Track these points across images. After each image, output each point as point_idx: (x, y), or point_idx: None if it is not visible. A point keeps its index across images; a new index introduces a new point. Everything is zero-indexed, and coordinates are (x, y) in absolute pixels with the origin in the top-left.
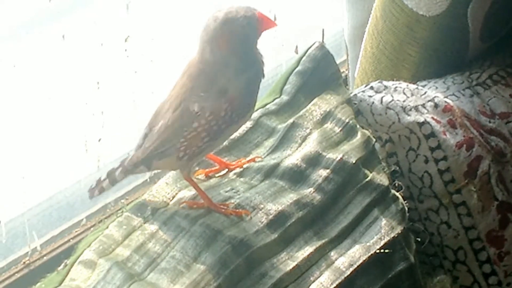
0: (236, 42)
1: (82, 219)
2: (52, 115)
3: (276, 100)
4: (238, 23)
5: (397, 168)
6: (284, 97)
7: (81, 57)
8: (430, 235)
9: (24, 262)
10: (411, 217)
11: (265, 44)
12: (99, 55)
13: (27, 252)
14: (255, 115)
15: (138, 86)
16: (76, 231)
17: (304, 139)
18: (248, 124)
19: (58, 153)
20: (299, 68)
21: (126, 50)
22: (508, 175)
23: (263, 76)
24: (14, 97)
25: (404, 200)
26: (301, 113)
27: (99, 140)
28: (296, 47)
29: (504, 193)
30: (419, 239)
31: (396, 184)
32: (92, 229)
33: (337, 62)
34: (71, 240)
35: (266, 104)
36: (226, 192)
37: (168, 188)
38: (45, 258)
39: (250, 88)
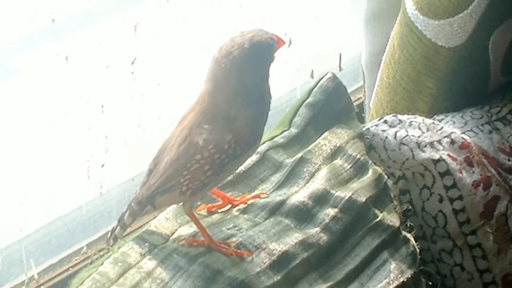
0: (263, 65)
1: (83, 247)
2: (54, 138)
3: (285, 133)
4: (265, 45)
5: (410, 206)
6: (293, 130)
7: (85, 79)
8: (443, 277)
9: None
10: (424, 258)
11: (281, 68)
12: (104, 77)
13: (24, 281)
14: (262, 148)
15: (145, 110)
16: (76, 259)
17: (312, 175)
18: (254, 158)
19: (59, 178)
20: (309, 99)
21: (132, 73)
22: None
23: (269, 110)
24: (14, 118)
25: (417, 240)
26: (310, 147)
27: (102, 166)
28: (312, 71)
29: None
30: (430, 283)
31: (408, 224)
32: (94, 256)
33: (354, 88)
34: (70, 268)
35: (274, 137)
36: (229, 229)
37: (168, 223)
38: (42, 287)
39: (257, 121)
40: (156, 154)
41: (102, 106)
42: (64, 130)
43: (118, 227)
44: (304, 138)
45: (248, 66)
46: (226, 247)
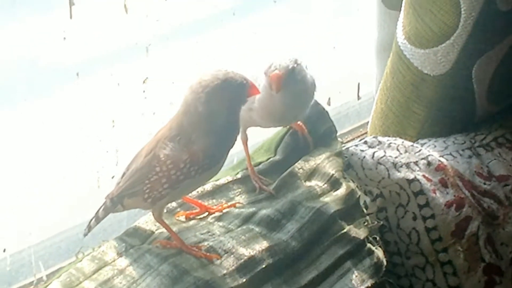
0: (232, 101)
1: None
2: (66, 150)
3: (270, 159)
4: (237, 84)
5: (386, 223)
6: (278, 157)
7: (96, 95)
8: None
9: None
10: (398, 272)
11: None
12: (115, 95)
13: (32, 281)
14: (246, 172)
15: (156, 127)
16: None
17: (287, 192)
18: (239, 175)
19: (70, 189)
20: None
21: (144, 91)
22: (498, 238)
23: (234, 144)
24: (30, 130)
25: (392, 256)
26: (288, 170)
27: (113, 177)
28: (329, 99)
29: (492, 255)
30: None
31: (377, 239)
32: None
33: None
34: None
35: (260, 163)
36: (202, 234)
37: (146, 226)
38: None
39: (216, 150)
40: (131, 160)
41: (113, 121)
42: (76, 143)
43: (93, 219)
44: (286, 164)
45: (216, 99)
46: (197, 249)
